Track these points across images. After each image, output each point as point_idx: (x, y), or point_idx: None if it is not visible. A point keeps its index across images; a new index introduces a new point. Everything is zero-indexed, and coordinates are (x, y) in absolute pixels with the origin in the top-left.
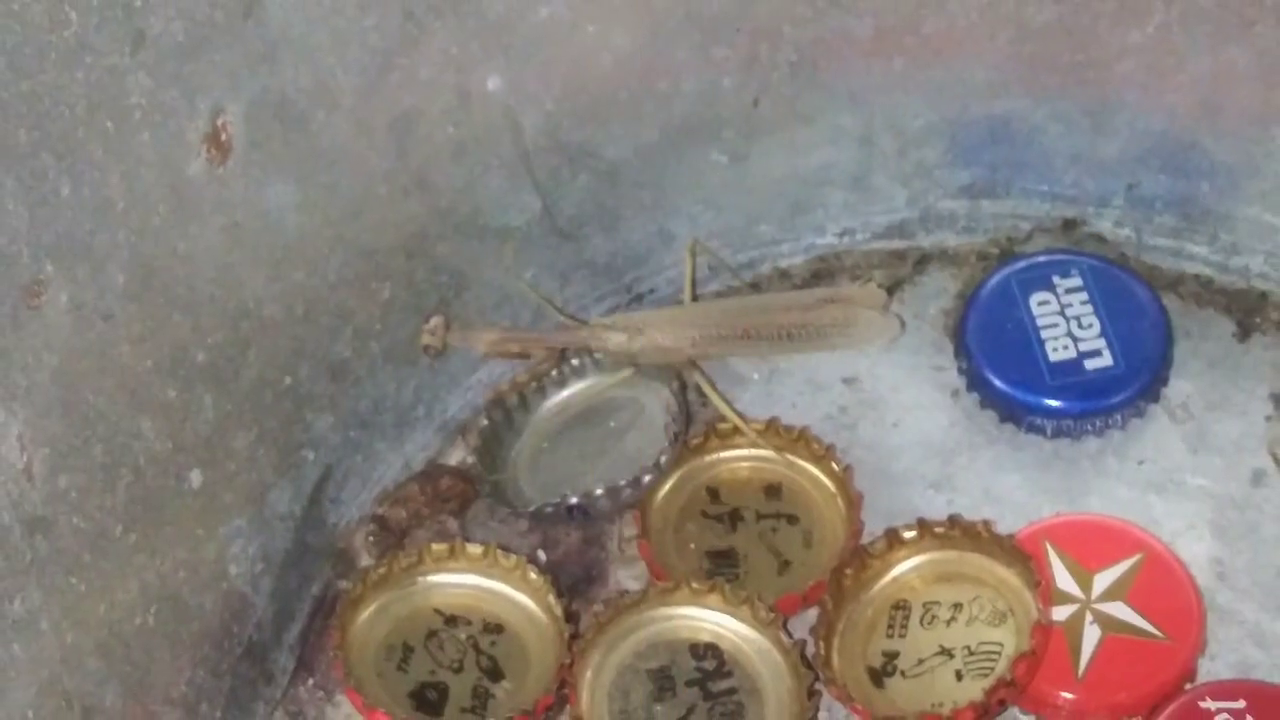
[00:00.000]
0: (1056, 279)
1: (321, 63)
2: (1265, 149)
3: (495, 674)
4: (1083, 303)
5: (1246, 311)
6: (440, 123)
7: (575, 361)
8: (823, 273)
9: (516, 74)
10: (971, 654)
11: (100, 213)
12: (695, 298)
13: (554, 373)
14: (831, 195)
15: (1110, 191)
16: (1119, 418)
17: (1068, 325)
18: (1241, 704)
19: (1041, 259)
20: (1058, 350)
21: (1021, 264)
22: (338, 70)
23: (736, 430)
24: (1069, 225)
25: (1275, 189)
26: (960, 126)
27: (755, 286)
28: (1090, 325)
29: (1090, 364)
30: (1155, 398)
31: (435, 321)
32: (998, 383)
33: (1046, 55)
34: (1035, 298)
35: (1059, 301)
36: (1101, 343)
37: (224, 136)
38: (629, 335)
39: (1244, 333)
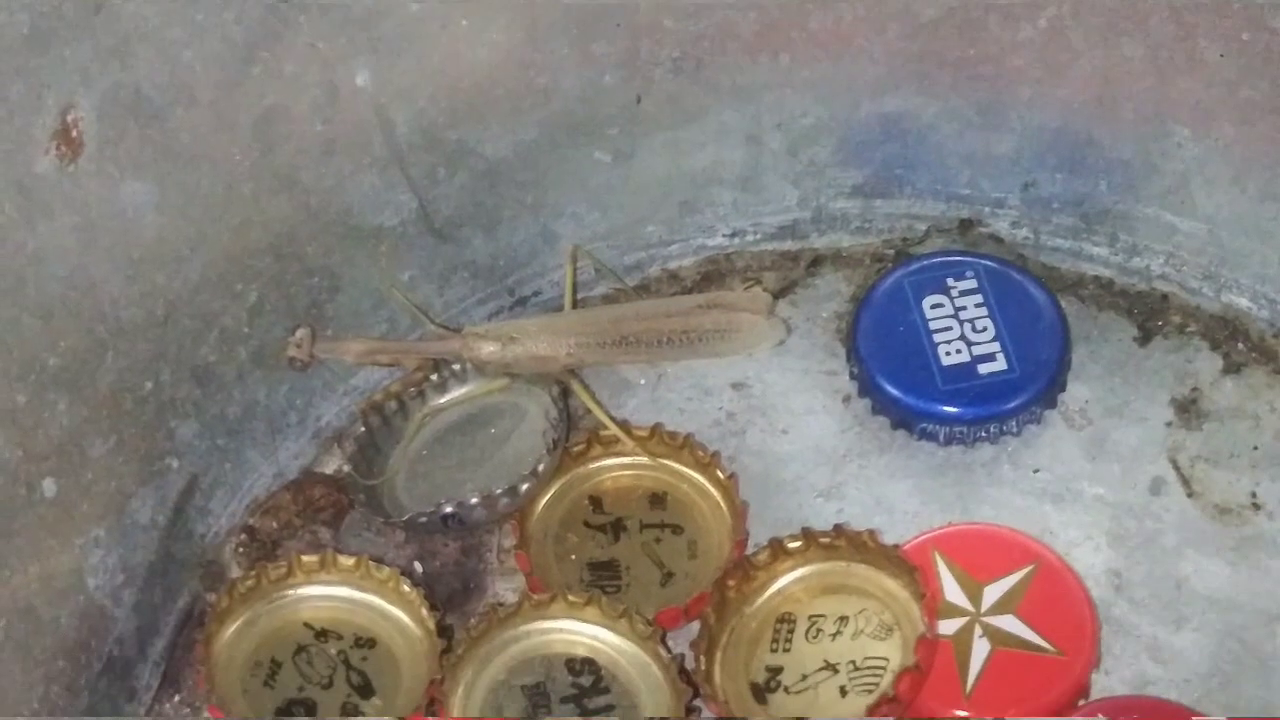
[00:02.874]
0: (950, 281)
1: (178, 57)
2: (1162, 146)
3: (366, 690)
4: (977, 305)
5: (1148, 314)
6: (308, 119)
7: (457, 366)
8: (713, 275)
9: (387, 69)
10: (857, 669)
11: None
12: (576, 304)
13: (434, 377)
14: (720, 195)
15: (1006, 191)
16: (1014, 424)
17: (961, 329)
18: None
19: (935, 260)
20: (950, 354)
21: (915, 266)
22: (196, 65)
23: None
24: (965, 226)
25: (1174, 188)
26: (851, 124)
27: (644, 290)
28: (984, 329)
29: (984, 368)
30: (1052, 403)
31: (301, 334)
32: (889, 388)
33: (937, 50)
34: (928, 300)
35: (953, 304)
36: (996, 346)
37: (74, 133)
38: (502, 344)
39: (1145, 336)
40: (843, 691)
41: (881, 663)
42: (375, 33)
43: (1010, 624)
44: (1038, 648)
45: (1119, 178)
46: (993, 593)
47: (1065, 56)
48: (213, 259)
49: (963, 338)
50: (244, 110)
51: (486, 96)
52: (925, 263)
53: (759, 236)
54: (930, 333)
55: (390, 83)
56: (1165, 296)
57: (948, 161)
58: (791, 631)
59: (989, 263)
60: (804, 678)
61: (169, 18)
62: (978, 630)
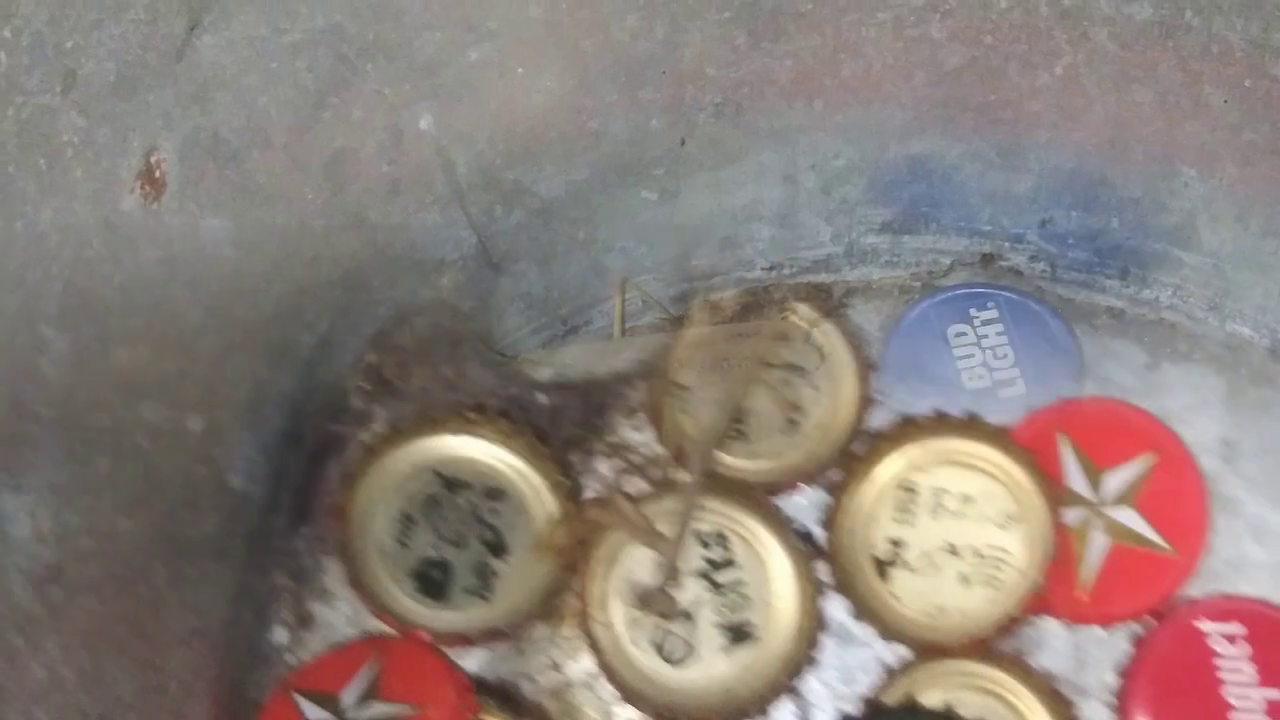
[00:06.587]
0: (973, 311)
1: (254, 103)
2: (1170, 186)
3: (498, 548)
4: (998, 334)
5: (1156, 342)
6: (374, 161)
7: None
8: (752, 306)
9: (448, 114)
10: (980, 558)
11: (33, 246)
12: (624, 333)
13: None
14: (759, 231)
15: (1025, 227)
16: None
17: (983, 356)
18: (1239, 629)
19: (959, 292)
20: (974, 379)
21: (940, 297)
22: (271, 110)
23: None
24: (987, 260)
25: (1182, 225)
26: (880, 165)
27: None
28: (1005, 356)
29: (1004, 393)
30: None
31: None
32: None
33: (960, 96)
34: (952, 329)
35: (975, 333)
36: (1015, 372)
37: (158, 173)
38: None
39: (1154, 363)
40: (965, 580)
41: (1001, 554)
42: (437, 80)
43: (1129, 517)
44: (1153, 544)
45: (1130, 215)
46: (1112, 481)
47: (1080, 102)
48: (287, 291)
49: (984, 364)
50: (315, 152)
51: (541, 139)
52: (950, 294)
53: (795, 270)
54: (955, 360)
55: (451, 127)
56: (1173, 326)
57: (970, 200)
58: (914, 502)
59: (1009, 294)
60: (925, 555)
61: (245, 66)
62: (1097, 522)
